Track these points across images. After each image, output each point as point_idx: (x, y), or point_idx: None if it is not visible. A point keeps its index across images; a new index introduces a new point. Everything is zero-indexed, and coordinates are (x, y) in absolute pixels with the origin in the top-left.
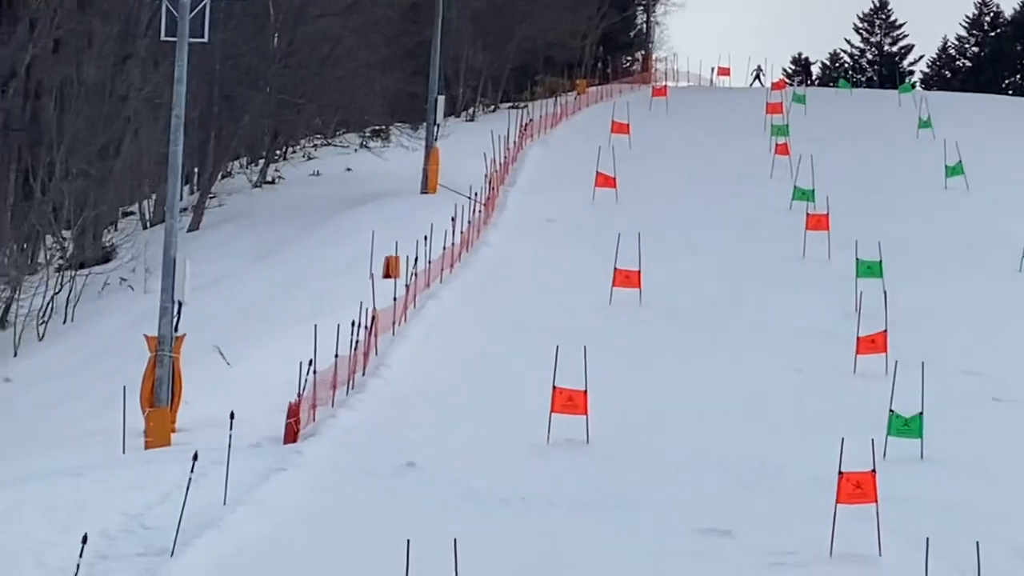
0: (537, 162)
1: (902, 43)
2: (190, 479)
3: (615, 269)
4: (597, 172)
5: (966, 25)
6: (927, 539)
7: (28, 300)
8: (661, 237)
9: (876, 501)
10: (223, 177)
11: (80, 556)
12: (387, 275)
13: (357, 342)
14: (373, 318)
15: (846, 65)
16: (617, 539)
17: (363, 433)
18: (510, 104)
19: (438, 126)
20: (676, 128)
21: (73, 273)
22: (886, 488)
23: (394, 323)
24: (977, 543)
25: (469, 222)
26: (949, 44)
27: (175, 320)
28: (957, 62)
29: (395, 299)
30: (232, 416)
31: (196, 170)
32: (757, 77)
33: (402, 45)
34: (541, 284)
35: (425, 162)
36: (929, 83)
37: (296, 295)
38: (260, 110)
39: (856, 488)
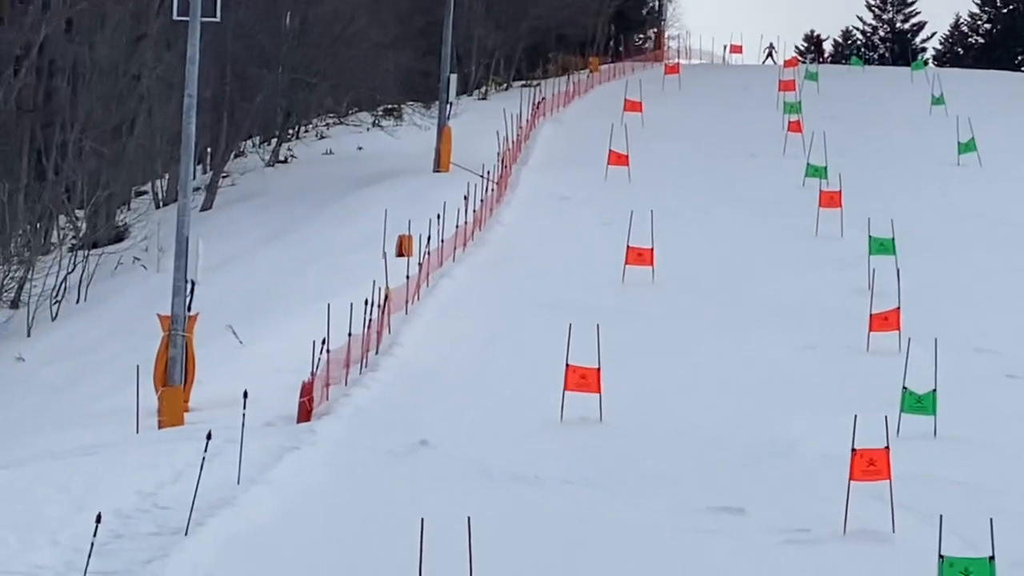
0: (549, 141)
1: (914, 20)
2: (204, 458)
3: (628, 247)
4: (610, 150)
5: (979, 2)
6: (940, 516)
7: (41, 280)
8: (674, 215)
9: (890, 478)
10: (236, 156)
11: (94, 535)
12: (400, 254)
13: (370, 321)
14: (386, 297)
15: (858, 42)
16: (630, 517)
17: (376, 412)
18: (522, 82)
19: (450, 105)
20: (688, 106)
21: (86, 253)
22: (899, 465)
23: (407, 302)
24: (991, 519)
25: (482, 200)
26: (962, 21)
27: (188, 299)
28: (970, 39)
29: (408, 278)
30: (245, 395)
31: (209, 150)
32: (769, 55)
33: (414, 24)
34: (554, 262)
35: (437, 141)
36: (942, 60)
37: (309, 274)
38: (272, 89)
39: (870, 465)
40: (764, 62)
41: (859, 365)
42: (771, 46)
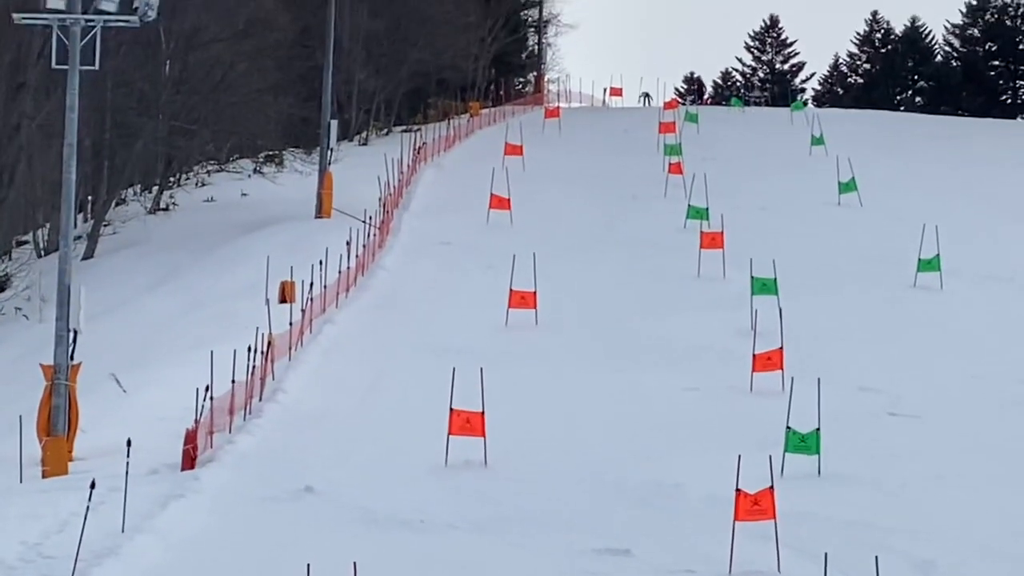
0: (431, 185)
1: (794, 61)
2: (88, 507)
3: (511, 290)
4: (491, 194)
5: (857, 42)
6: (826, 555)
7: None
8: (556, 258)
9: (775, 517)
10: (117, 204)
11: None
12: (283, 300)
13: (254, 367)
14: (269, 343)
15: (738, 83)
16: (516, 561)
17: (261, 458)
18: (403, 127)
19: (332, 150)
20: (569, 149)
21: None
22: (784, 504)
23: (290, 348)
24: (876, 558)
25: (364, 246)
26: (841, 61)
27: (71, 348)
28: (849, 79)
29: (291, 324)
30: (129, 444)
31: (90, 197)
32: (646, 101)
33: (294, 69)
34: (437, 307)
35: (319, 186)
36: (821, 100)
37: (192, 321)
38: (153, 137)
39: (754, 505)
40: (646, 105)
41: (743, 405)
42: (646, 94)
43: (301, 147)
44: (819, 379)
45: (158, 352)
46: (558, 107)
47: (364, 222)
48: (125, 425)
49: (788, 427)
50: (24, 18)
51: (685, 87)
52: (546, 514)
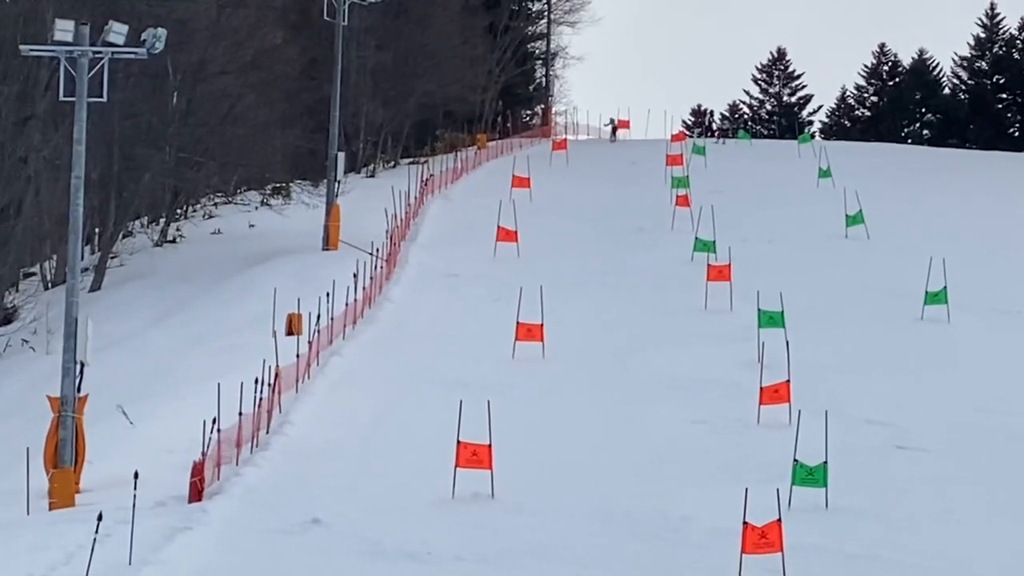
0: (438, 217)
1: (801, 93)
2: (95, 540)
3: (517, 323)
4: (498, 227)
5: (864, 74)
6: None
7: None
8: (563, 290)
9: (782, 550)
10: (124, 237)
11: None
12: (290, 332)
13: (261, 400)
14: (276, 375)
15: (745, 116)
16: None
17: (268, 490)
18: (410, 160)
19: (339, 183)
20: (577, 181)
21: None
22: (792, 537)
23: (297, 380)
24: None
25: (371, 278)
26: (848, 94)
27: (78, 380)
28: (856, 111)
29: (298, 356)
30: (136, 476)
31: (97, 230)
32: (613, 131)
33: (302, 102)
34: (444, 339)
35: (326, 218)
36: (828, 133)
37: (199, 354)
38: (160, 169)
39: (761, 538)
40: (612, 139)
41: (750, 438)
42: (612, 122)
43: (308, 179)
44: (826, 412)
45: (165, 384)
46: (565, 139)
47: (371, 254)
48: (132, 457)
49: (795, 460)
50: (32, 50)
51: (692, 119)
52: (553, 547)
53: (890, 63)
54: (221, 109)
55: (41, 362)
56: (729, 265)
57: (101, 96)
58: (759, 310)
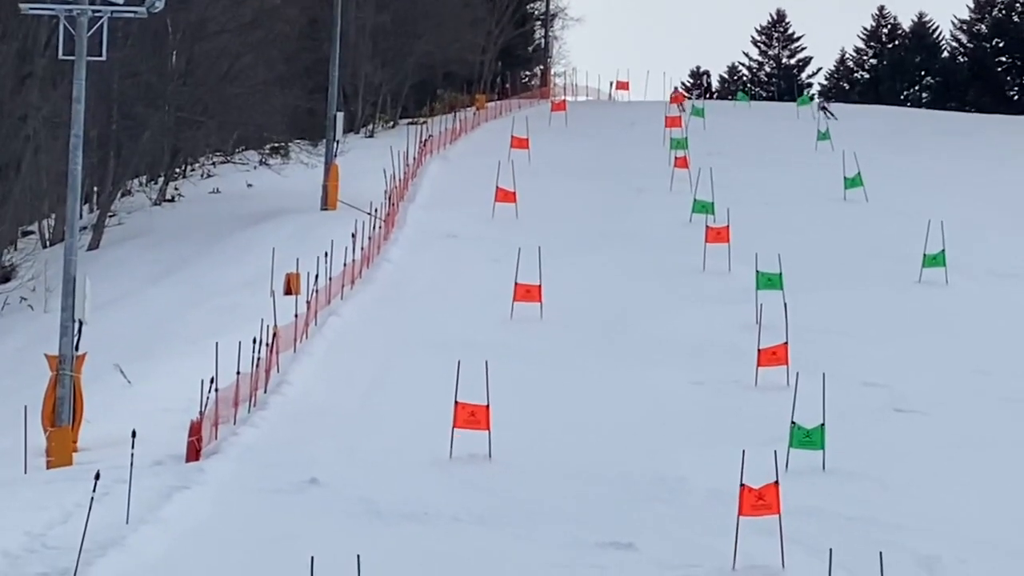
0: (437, 178)
1: (800, 55)
2: (92, 498)
3: (516, 284)
4: (497, 187)
5: (864, 37)
6: (830, 550)
7: None
8: (561, 251)
9: (779, 513)
10: (123, 195)
11: None
12: (288, 292)
13: (258, 359)
14: (274, 335)
15: (744, 78)
16: (519, 553)
17: (265, 450)
18: (409, 120)
19: (337, 142)
20: (575, 142)
21: None
22: (789, 500)
23: (295, 340)
24: (880, 553)
25: (369, 238)
26: (847, 56)
27: (76, 339)
28: (855, 74)
29: (296, 316)
30: (134, 435)
31: (96, 189)
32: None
33: (301, 61)
34: (442, 299)
35: (325, 178)
36: (828, 95)
37: (197, 313)
38: (159, 128)
39: (759, 500)
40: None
41: (748, 400)
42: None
43: (307, 139)
44: (824, 374)
45: (163, 343)
46: (564, 100)
47: (370, 214)
48: (130, 416)
49: (793, 422)
50: (31, 8)
51: (691, 81)
52: (550, 507)
53: (889, 26)
54: (220, 68)
55: (39, 320)
56: (728, 227)
57: (100, 55)
58: (757, 272)
